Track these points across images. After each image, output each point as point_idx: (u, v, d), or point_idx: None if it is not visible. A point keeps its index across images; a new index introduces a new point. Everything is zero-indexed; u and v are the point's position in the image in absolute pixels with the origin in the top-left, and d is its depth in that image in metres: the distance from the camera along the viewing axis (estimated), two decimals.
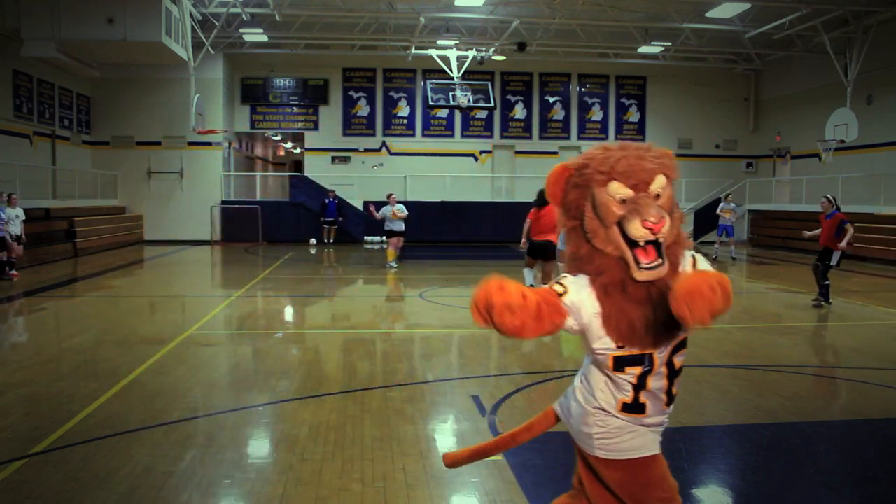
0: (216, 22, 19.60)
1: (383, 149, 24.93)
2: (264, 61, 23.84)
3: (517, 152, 25.54)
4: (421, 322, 9.63)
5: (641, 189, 2.11)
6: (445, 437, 4.73)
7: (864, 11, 18.36)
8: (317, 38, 21.92)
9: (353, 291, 13.20)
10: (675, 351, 2.25)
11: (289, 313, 10.53)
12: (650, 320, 2.13)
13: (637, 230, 2.08)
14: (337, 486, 3.85)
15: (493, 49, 21.94)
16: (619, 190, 2.11)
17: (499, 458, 4.27)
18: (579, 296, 2.16)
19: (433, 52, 22.44)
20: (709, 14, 18.88)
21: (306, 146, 25.02)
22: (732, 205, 18.12)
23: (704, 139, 26.13)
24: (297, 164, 30.74)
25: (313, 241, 22.25)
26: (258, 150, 32.66)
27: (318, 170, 24.36)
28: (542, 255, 10.00)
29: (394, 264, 15.37)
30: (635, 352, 2.17)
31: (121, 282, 13.86)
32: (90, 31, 16.52)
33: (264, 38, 21.63)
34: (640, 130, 26.01)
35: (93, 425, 4.82)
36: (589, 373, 2.37)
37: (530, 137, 25.54)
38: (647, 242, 2.09)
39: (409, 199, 23.60)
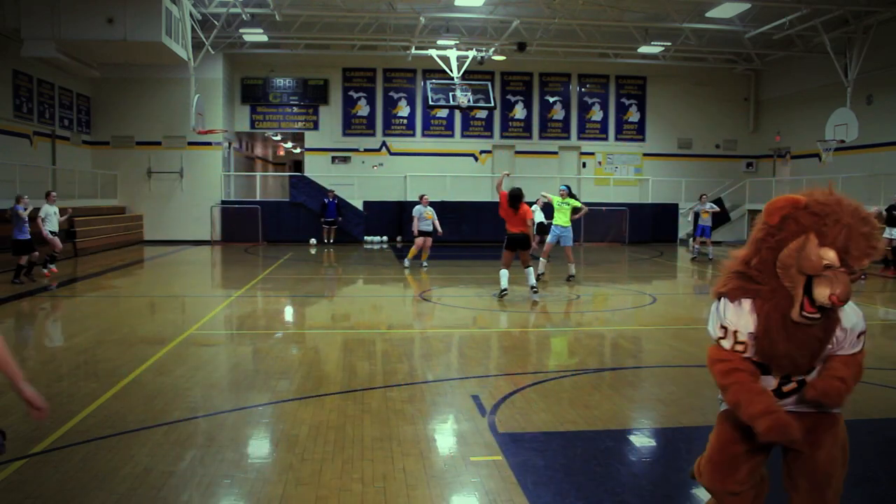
0: (216, 22, 19.60)
1: (383, 149, 24.94)
2: (264, 61, 23.84)
3: (517, 152, 25.54)
4: (421, 322, 9.63)
5: (847, 266, 2.35)
6: (445, 437, 4.73)
7: (864, 11, 18.36)
8: (317, 38, 21.92)
9: (353, 291, 13.20)
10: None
11: (289, 313, 10.53)
12: (791, 355, 2.47)
13: (821, 295, 2.36)
14: (337, 486, 3.85)
15: (493, 49, 21.94)
16: (829, 257, 2.34)
17: (499, 457, 4.27)
18: (740, 323, 2.51)
19: (433, 52, 22.44)
20: (709, 14, 18.87)
21: (306, 146, 25.02)
22: (709, 205, 17.89)
23: (704, 139, 26.13)
24: (297, 164, 30.75)
25: (313, 241, 22.26)
26: (258, 150, 32.66)
27: (318, 170, 24.37)
28: (521, 245, 10.85)
29: (406, 263, 15.45)
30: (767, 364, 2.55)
31: (121, 282, 13.86)
32: (90, 31, 16.52)
33: (264, 38, 21.62)
34: (639, 130, 26.02)
35: (93, 425, 4.82)
36: None
37: (530, 137, 25.54)
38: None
39: (410, 199, 23.61)
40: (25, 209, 12.68)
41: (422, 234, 15.64)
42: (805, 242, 2.37)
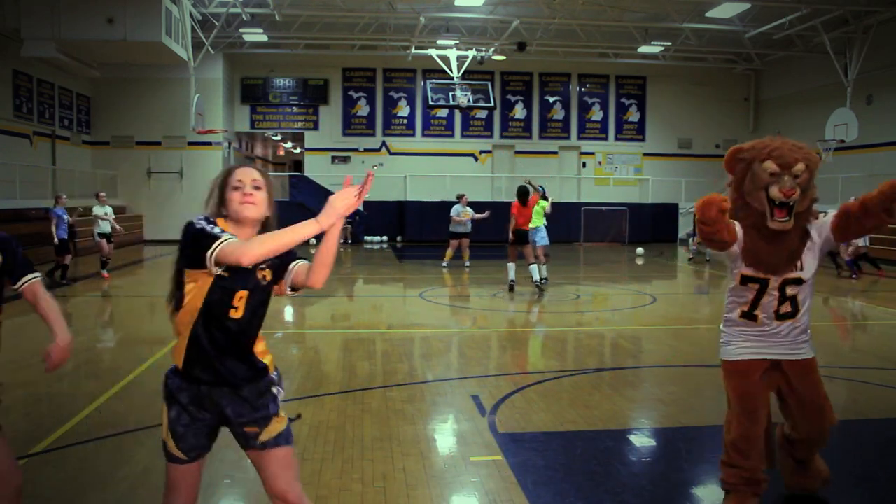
0: (216, 22, 19.60)
1: (383, 149, 24.94)
2: (264, 61, 23.84)
3: (517, 152, 25.54)
4: (421, 322, 9.62)
5: (786, 169, 3.15)
6: (445, 437, 4.73)
7: (864, 11, 18.36)
8: (317, 38, 21.92)
9: (352, 291, 13.20)
10: (788, 283, 3.28)
11: (289, 313, 10.53)
12: (771, 255, 3.23)
13: (775, 193, 3.15)
14: (337, 486, 3.85)
15: (493, 49, 21.93)
16: (770, 167, 3.16)
17: (499, 457, 4.27)
18: (737, 231, 3.29)
19: (433, 52, 22.44)
20: (709, 14, 18.87)
21: (306, 146, 25.03)
22: None
23: (704, 139, 26.13)
24: (297, 164, 30.76)
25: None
26: (258, 150, 32.69)
27: (318, 170, 24.37)
28: (526, 241, 11.73)
29: (444, 264, 15.43)
30: (760, 275, 3.27)
31: (121, 282, 13.85)
32: (90, 31, 16.52)
33: (264, 38, 21.63)
34: (639, 130, 26.02)
35: (93, 425, 4.81)
36: (726, 298, 3.47)
37: (530, 137, 25.54)
38: (782, 204, 3.15)
39: (410, 198, 23.63)
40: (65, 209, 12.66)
41: (454, 235, 15.52)
42: (751, 167, 3.22)
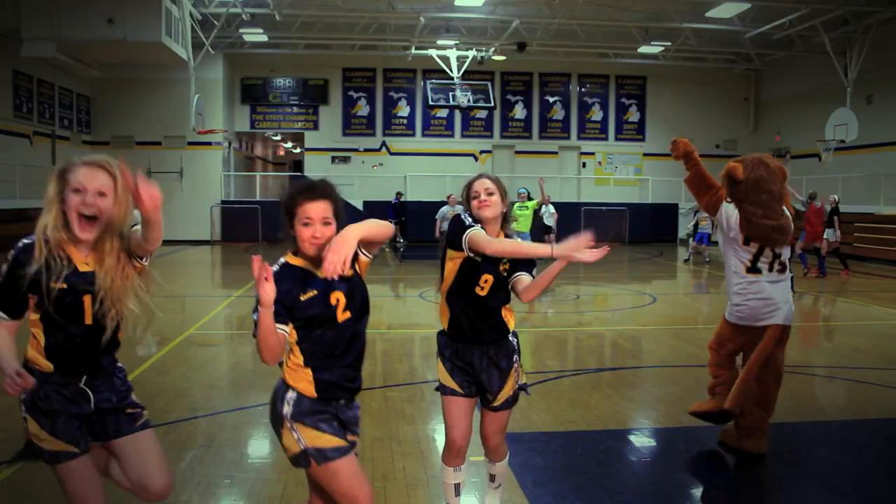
0: (216, 22, 19.59)
1: (383, 149, 24.94)
2: (264, 61, 23.83)
3: (517, 152, 25.53)
4: (421, 322, 9.63)
5: None
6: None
7: (864, 11, 18.34)
8: (317, 38, 21.92)
9: None
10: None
11: None
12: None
13: None
14: None
15: (493, 49, 21.93)
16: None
17: None
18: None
19: (433, 52, 22.44)
20: (709, 14, 18.86)
21: (306, 146, 25.02)
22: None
23: (704, 139, 26.02)
24: (297, 164, 30.76)
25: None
26: (258, 150, 32.66)
27: (318, 170, 24.32)
28: None
29: None
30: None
31: None
32: (90, 31, 16.50)
33: (264, 38, 21.62)
34: (639, 130, 26.01)
35: None
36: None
37: (530, 137, 25.53)
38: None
39: (410, 199, 23.63)
40: None
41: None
42: None
